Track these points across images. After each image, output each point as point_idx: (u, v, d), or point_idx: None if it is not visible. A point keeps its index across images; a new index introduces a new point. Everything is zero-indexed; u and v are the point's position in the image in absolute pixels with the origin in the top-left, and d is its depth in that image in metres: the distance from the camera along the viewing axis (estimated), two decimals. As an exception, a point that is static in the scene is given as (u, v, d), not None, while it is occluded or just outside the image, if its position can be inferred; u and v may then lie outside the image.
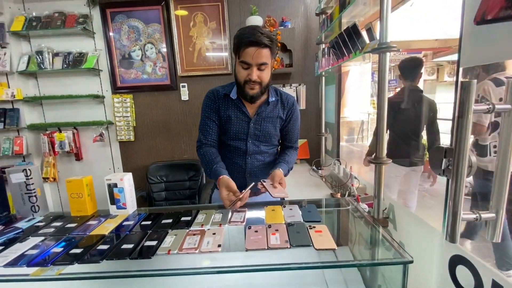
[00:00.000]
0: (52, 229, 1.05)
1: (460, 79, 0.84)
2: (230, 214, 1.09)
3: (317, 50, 2.17)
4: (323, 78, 2.10)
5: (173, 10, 2.19)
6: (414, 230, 1.14)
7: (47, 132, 2.29)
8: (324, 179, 1.88)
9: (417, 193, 2.01)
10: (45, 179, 2.37)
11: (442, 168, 0.84)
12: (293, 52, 2.11)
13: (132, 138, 2.37)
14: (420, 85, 1.99)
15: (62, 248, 0.89)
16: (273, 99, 1.19)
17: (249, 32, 1.00)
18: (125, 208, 1.16)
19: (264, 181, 1.13)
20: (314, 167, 2.07)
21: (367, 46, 1.19)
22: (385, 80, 1.07)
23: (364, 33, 1.29)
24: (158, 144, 2.42)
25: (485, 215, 0.78)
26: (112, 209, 1.17)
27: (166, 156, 2.44)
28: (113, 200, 1.16)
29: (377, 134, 1.12)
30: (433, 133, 1.91)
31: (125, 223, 1.08)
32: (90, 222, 1.10)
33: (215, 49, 2.25)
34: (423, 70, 1.97)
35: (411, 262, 0.77)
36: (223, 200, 1.03)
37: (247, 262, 0.82)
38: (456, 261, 0.86)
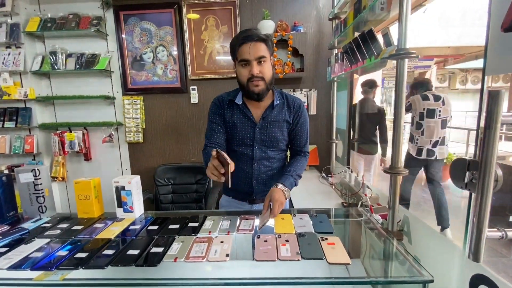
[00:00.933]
0: (58, 231, 1.04)
1: (486, 87, 0.80)
2: (238, 221, 1.06)
3: (329, 55, 2.14)
4: (335, 83, 2.06)
5: (185, 13, 2.20)
6: (431, 244, 1.08)
7: (58, 131, 2.31)
8: (334, 187, 1.83)
9: (372, 172, 2.75)
10: (54, 178, 2.39)
11: (465, 181, 0.80)
12: (305, 56, 2.09)
13: (141, 140, 2.37)
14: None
15: (67, 252, 0.88)
16: (278, 102, 1.16)
17: (243, 33, 1.04)
18: (132, 212, 1.15)
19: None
20: (323, 174, 2.03)
21: (383, 51, 1.15)
22: (403, 88, 1.03)
23: (380, 38, 1.25)
24: (166, 146, 2.42)
25: (512, 233, 0.73)
26: (119, 212, 1.15)
27: (174, 159, 2.43)
28: (120, 203, 1.15)
29: (392, 143, 1.08)
30: (383, 130, 2.51)
31: (131, 227, 1.06)
32: (97, 225, 1.08)
33: (226, 52, 2.25)
34: (378, 86, 2.72)
35: (432, 281, 0.72)
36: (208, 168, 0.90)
37: (256, 273, 0.78)
38: (478, 281, 0.81)
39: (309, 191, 1.79)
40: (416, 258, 0.86)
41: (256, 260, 0.80)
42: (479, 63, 11.30)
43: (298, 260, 0.80)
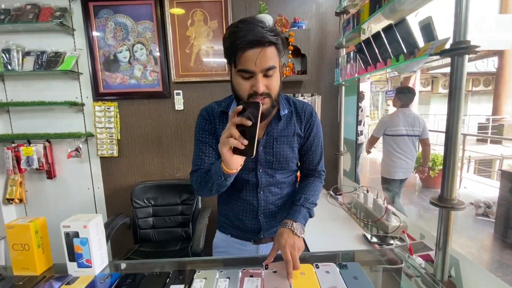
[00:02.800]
0: (-24, 306, 0.70)
1: None
2: (239, 280, 0.75)
3: (335, 55, 1.88)
4: (343, 88, 1.80)
5: (168, 7, 1.88)
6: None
7: (13, 145, 1.92)
8: (345, 208, 1.56)
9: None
10: (9, 200, 1.99)
11: None
12: (308, 57, 1.82)
13: (115, 153, 2.02)
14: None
15: None
16: (286, 111, 0.89)
17: (246, 28, 0.71)
18: (90, 267, 0.82)
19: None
20: (332, 193, 1.75)
21: (426, 46, 0.89)
22: (461, 95, 0.77)
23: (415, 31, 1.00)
24: (146, 160, 2.07)
25: None
26: (72, 267, 0.82)
27: (156, 175, 2.09)
28: (73, 256, 0.82)
29: (444, 168, 0.82)
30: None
31: (86, 294, 0.74)
32: (36, 291, 0.75)
33: (216, 51, 1.94)
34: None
35: None
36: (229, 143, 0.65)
37: None
38: None
39: (318, 215, 1.49)
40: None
41: None
42: (462, 68, 11.58)
43: None
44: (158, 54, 1.94)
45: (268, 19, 1.79)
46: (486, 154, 6.81)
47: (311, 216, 0.91)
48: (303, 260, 0.83)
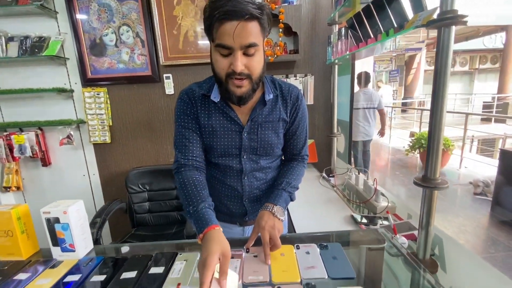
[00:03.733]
0: (-39, 290, 0.72)
1: None
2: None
3: (328, 32, 1.81)
4: (336, 67, 1.74)
5: (153, -16, 1.80)
6: (473, 275, 0.82)
7: (5, 134, 1.92)
8: (337, 190, 1.56)
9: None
10: (7, 188, 2.01)
11: None
12: (299, 35, 1.74)
13: (108, 140, 2.01)
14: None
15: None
16: (271, 96, 0.84)
17: (221, 1, 0.66)
18: (74, 251, 0.83)
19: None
20: (324, 175, 1.74)
21: (414, 18, 0.84)
22: (447, 67, 0.73)
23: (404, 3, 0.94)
24: (139, 147, 2.07)
25: None
26: (56, 252, 0.84)
27: (150, 160, 2.09)
28: (56, 241, 0.83)
29: (428, 146, 0.79)
30: None
31: (68, 277, 0.75)
32: (20, 276, 0.76)
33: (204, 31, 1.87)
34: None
35: None
36: (201, 272, 0.57)
37: None
38: None
39: (309, 198, 1.50)
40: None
41: None
42: (468, 45, 11.21)
43: None
44: (145, 36, 1.88)
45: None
46: (490, 133, 6.72)
47: (292, 200, 0.91)
48: (286, 241, 0.83)
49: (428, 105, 11.38)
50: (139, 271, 0.74)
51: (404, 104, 10.92)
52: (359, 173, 1.48)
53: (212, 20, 0.68)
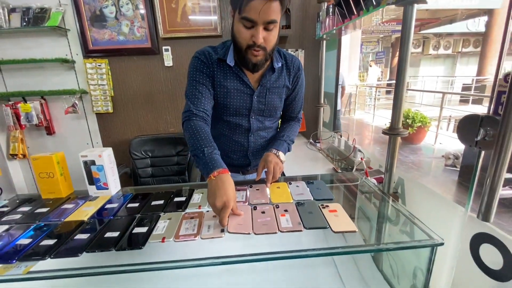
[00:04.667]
0: (19, 215, 0.89)
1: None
2: (230, 193, 0.96)
3: (318, 9, 1.95)
4: (324, 42, 1.91)
5: (151, -43, 1.86)
6: (427, 205, 1.07)
7: (10, 103, 2.00)
8: (322, 152, 1.78)
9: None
10: (13, 155, 2.12)
11: (477, 139, 0.74)
12: (291, 12, 1.88)
13: (110, 110, 2.13)
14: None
15: (31, 239, 0.74)
16: (279, 64, 0.99)
17: None
18: (107, 189, 1.01)
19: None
20: (311, 140, 1.96)
21: (387, -3, 1.02)
22: (409, 41, 0.92)
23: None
24: (140, 116, 2.20)
25: (523, 191, 0.70)
26: (92, 190, 1.01)
27: (150, 130, 2.23)
28: (92, 180, 1.00)
29: (394, 104, 1.00)
30: None
31: (108, 205, 0.93)
32: (66, 206, 0.94)
33: (202, 6, 1.97)
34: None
35: (442, 244, 0.69)
36: (223, 211, 0.72)
37: (258, 249, 0.71)
38: (480, 239, 0.80)
39: (298, 158, 1.72)
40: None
41: (255, 234, 0.73)
42: (452, 28, 11.47)
43: (301, 230, 0.74)
44: (144, 8, 1.96)
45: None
46: (466, 113, 7.12)
47: (289, 150, 1.09)
48: (281, 180, 1.05)
49: (411, 87, 11.76)
50: (166, 201, 0.94)
51: (389, 85, 11.23)
52: (341, 137, 1.70)
53: None
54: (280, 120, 1.18)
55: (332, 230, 0.73)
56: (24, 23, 1.87)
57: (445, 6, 7.88)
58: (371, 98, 8.20)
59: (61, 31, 1.95)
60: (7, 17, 1.88)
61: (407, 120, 4.63)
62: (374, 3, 1.17)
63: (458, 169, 3.66)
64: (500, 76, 0.71)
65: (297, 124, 1.14)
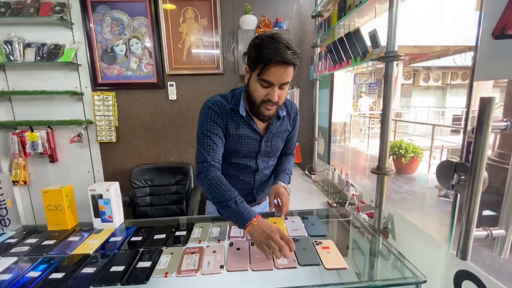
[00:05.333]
0: (27, 247, 0.93)
1: (475, 93, 0.83)
2: (228, 227, 1.02)
3: (311, 53, 2.14)
4: (318, 82, 2.06)
5: (161, 3, 2.06)
6: (414, 241, 1.13)
7: (17, 131, 2.08)
8: (318, 185, 1.85)
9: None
10: (14, 182, 2.15)
11: (453, 183, 0.83)
12: (287, 54, 2.06)
13: (113, 139, 2.21)
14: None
15: (40, 272, 0.78)
16: (284, 113, 1.11)
17: (274, 46, 0.83)
18: (112, 221, 1.06)
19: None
20: (307, 172, 2.04)
21: (371, 53, 1.16)
22: (391, 89, 1.05)
23: (366, 38, 1.26)
24: (142, 146, 2.28)
25: (496, 231, 0.77)
26: (97, 222, 1.06)
27: (151, 159, 2.30)
28: (98, 213, 1.05)
29: (380, 144, 1.10)
30: None
31: (112, 239, 0.98)
32: (71, 238, 0.98)
33: (206, 47, 2.15)
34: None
35: (425, 281, 0.75)
36: (279, 236, 0.78)
37: (255, 285, 0.76)
38: (462, 276, 0.86)
39: (294, 189, 1.77)
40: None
41: (253, 270, 0.78)
42: (440, 62, 12.13)
43: (295, 267, 0.79)
44: (152, 48, 2.13)
45: (252, 19, 2.01)
46: (458, 143, 7.34)
47: (289, 182, 1.18)
48: (278, 215, 1.11)
49: (404, 117, 12.15)
50: (167, 235, 0.99)
51: (382, 116, 11.57)
52: (335, 170, 1.78)
53: (263, 61, 0.84)
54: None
55: (324, 267, 0.79)
56: (39, 58, 2.01)
57: (432, 43, 8.44)
58: (365, 127, 8.44)
59: (73, 66, 2.09)
60: (22, 52, 2.02)
61: (400, 151, 4.77)
62: (361, 55, 1.32)
63: (451, 200, 3.73)
64: (469, 128, 0.82)
65: (292, 157, 1.28)
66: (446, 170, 0.85)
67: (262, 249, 0.79)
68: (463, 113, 9.47)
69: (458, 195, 0.85)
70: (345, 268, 0.78)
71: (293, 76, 0.92)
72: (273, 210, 1.07)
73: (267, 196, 1.23)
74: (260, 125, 1.08)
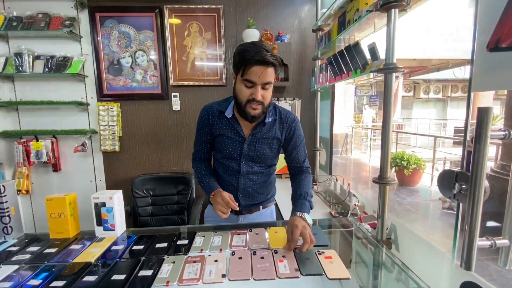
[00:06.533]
0: (28, 255, 0.93)
1: (473, 104, 0.85)
2: (230, 237, 1.02)
3: (312, 65, 2.18)
4: (319, 93, 2.10)
5: (167, 18, 2.13)
6: (418, 252, 1.11)
7: (22, 140, 2.11)
8: (319, 195, 1.85)
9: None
10: (17, 191, 2.16)
11: (454, 192, 0.83)
12: (289, 66, 2.11)
13: (117, 149, 2.23)
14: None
15: (41, 280, 0.78)
16: (270, 119, 1.11)
17: (254, 50, 0.94)
18: (114, 230, 1.06)
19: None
20: (308, 183, 2.04)
21: (370, 65, 1.19)
22: (391, 100, 1.06)
23: (365, 51, 1.29)
24: (145, 156, 2.30)
25: (499, 241, 0.77)
26: (99, 231, 1.06)
27: (154, 169, 2.31)
28: (100, 221, 1.06)
29: (381, 154, 1.11)
30: None
31: (113, 247, 0.98)
32: (73, 247, 0.98)
33: (209, 59, 2.20)
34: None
35: (429, 293, 0.74)
36: (217, 209, 1.01)
37: (256, 295, 0.75)
38: (467, 287, 0.84)
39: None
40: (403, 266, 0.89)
41: (255, 280, 0.77)
42: (440, 75, 12.28)
43: (298, 277, 0.78)
44: (157, 60, 2.18)
45: (255, 33, 2.07)
46: (460, 155, 7.28)
47: (311, 208, 1.04)
48: (280, 225, 1.11)
49: (405, 128, 12.16)
50: (169, 243, 0.98)
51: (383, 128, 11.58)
52: (337, 180, 1.78)
53: (244, 63, 0.94)
54: (289, 173, 1.22)
55: (327, 277, 0.78)
56: (47, 70, 2.06)
57: (431, 56, 8.56)
58: (367, 138, 8.45)
59: (80, 77, 2.14)
60: (31, 64, 2.08)
61: (402, 162, 4.75)
62: (361, 67, 1.35)
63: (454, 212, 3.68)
64: (468, 137, 0.83)
65: (309, 176, 1.17)
66: (447, 180, 0.85)
67: (215, 210, 1.01)
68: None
69: (461, 205, 0.85)
70: (348, 278, 0.77)
71: (275, 78, 1.02)
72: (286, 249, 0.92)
73: (259, 207, 1.23)
74: (245, 129, 1.12)
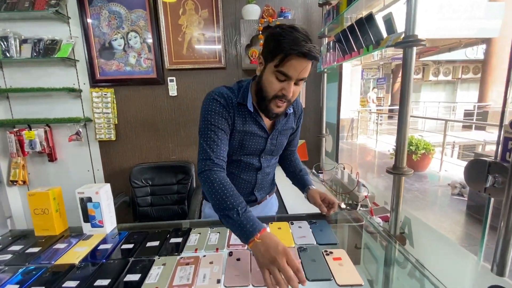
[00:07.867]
0: (9, 256, 0.85)
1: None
2: (228, 234, 0.93)
3: (318, 44, 2.01)
4: (325, 75, 1.94)
5: (160, -5, 1.96)
6: (435, 249, 1.01)
7: (15, 130, 2.02)
8: (326, 184, 1.74)
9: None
10: (13, 182, 2.11)
11: (486, 186, 0.71)
12: (293, 45, 1.94)
13: (113, 137, 2.14)
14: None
15: (17, 286, 0.70)
16: (291, 110, 1.04)
17: (297, 38, 0.75)
18: (102, 227, 0.97)
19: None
20: (314, 171, 1.93)
21: (386, 39, 1.04)
22: (410, 79, 0.93)
23: (380, 25, 1.14)
24: (142, 144, 2.20)
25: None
26: (86, 227, 0.98)
27: (152, 157, 2.22)
28: (87, 217, 0.97)
29: (397, 141, 0.98)
30: None
31: (101, 246, 0.89)
32: (58, 245, 0.90)
33: (207, 40, 2.05)
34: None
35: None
36: (290, 258, 0.65)
37: (255, 304, 0.66)
38: (495, 293, 0.74)
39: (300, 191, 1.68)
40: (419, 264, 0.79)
41: (254, 286, 0.68)
42: (451, 55, 11.78)
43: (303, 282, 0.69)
44: (151, 42, 2.04)
45: (255, 9, 1.90)
46: (470, 139, 7.10)
47: None
48: (283, 219, 1.01)
49: (413, 112, 11.86)
50: (161, 242, 0.90)
51: (391, 111, 11.31)
52: (344, 169, 1.67)
53: (284, 51, 0.75)
54: (281, 155, 1.20)
55: (336, 283, 0.69)
56: (35, 54, 1.94)
57: (443, 35, 8.13)
58: (373, 123, 8.24)
59: (70, 62, 2.02)
60: (18, 48, 1.96)
61: (411, 147, 4.60)
62: (374, 43, 1.19)
63: (466, 199, 3.56)
64: (506, 122, 0.69)
65: (297, 154, 1.25)
66: (477, 171, 0.73)
67: (264, 276, 0.64)
68: (475, 108, 9.14)
69: (492, 200, 0.74)
70: (360, 285, 0.68)
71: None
72: (325, 212, 1.04)
73: (267, 196, 1.19)
74: (267, 122, 0.99)
